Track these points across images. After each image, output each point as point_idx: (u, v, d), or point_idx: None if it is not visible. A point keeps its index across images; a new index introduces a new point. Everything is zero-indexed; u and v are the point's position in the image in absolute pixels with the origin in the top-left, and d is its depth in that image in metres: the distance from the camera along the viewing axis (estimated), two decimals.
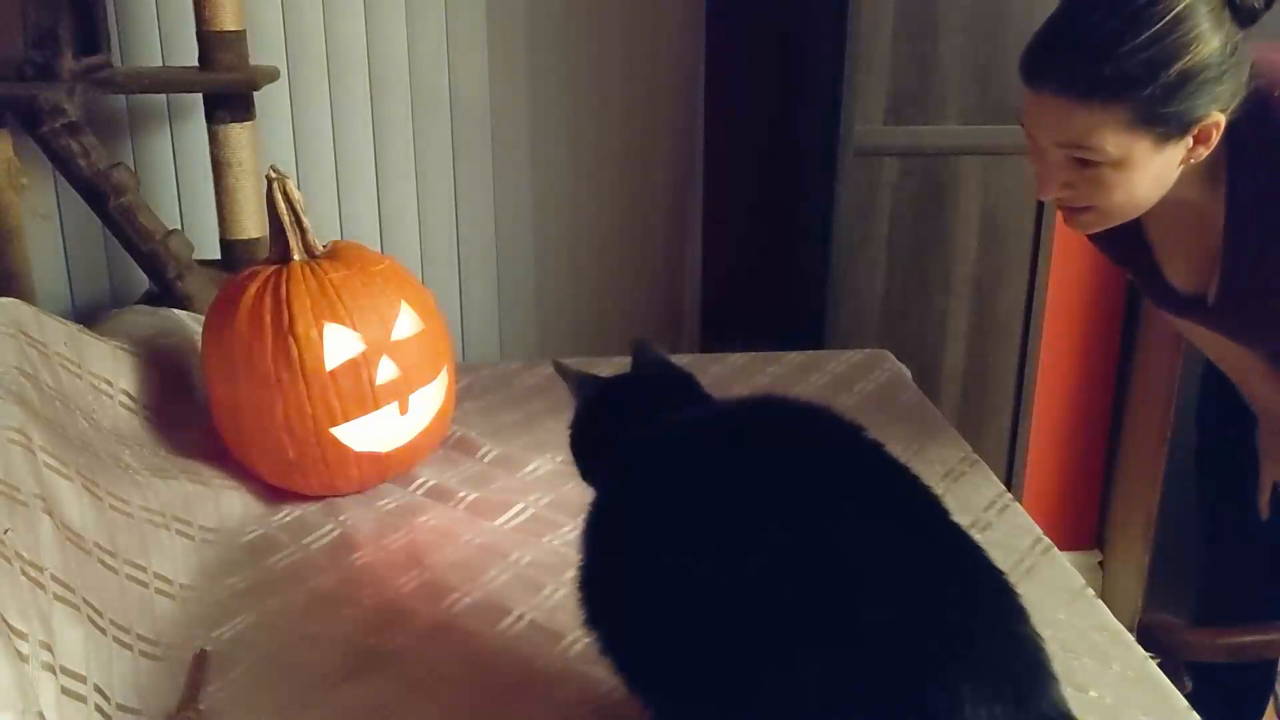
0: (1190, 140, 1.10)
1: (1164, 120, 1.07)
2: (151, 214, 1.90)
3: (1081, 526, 2.45)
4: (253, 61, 1.97)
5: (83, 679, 0.94)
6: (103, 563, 1.09)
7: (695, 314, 2.46)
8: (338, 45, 2.18)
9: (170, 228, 1.94)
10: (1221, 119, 1.09)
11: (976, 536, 1.30)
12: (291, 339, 1.32)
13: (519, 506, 1.39)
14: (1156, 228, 1.28)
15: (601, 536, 0.93)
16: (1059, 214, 1.23)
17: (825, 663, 0.76)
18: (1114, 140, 1.08)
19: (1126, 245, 1.32)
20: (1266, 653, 1.45)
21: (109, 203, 1.84)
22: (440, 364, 1.45)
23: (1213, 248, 1.21)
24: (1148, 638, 1.26)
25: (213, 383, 1.40)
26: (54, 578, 0.98)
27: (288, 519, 1.38)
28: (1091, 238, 1.38)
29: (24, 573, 0.94)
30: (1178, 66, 1.04)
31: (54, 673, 0.90)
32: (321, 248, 1.42)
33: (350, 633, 1.15)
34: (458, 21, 2.20)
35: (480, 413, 1.64)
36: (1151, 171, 1.11)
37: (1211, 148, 1.11)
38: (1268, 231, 1.15)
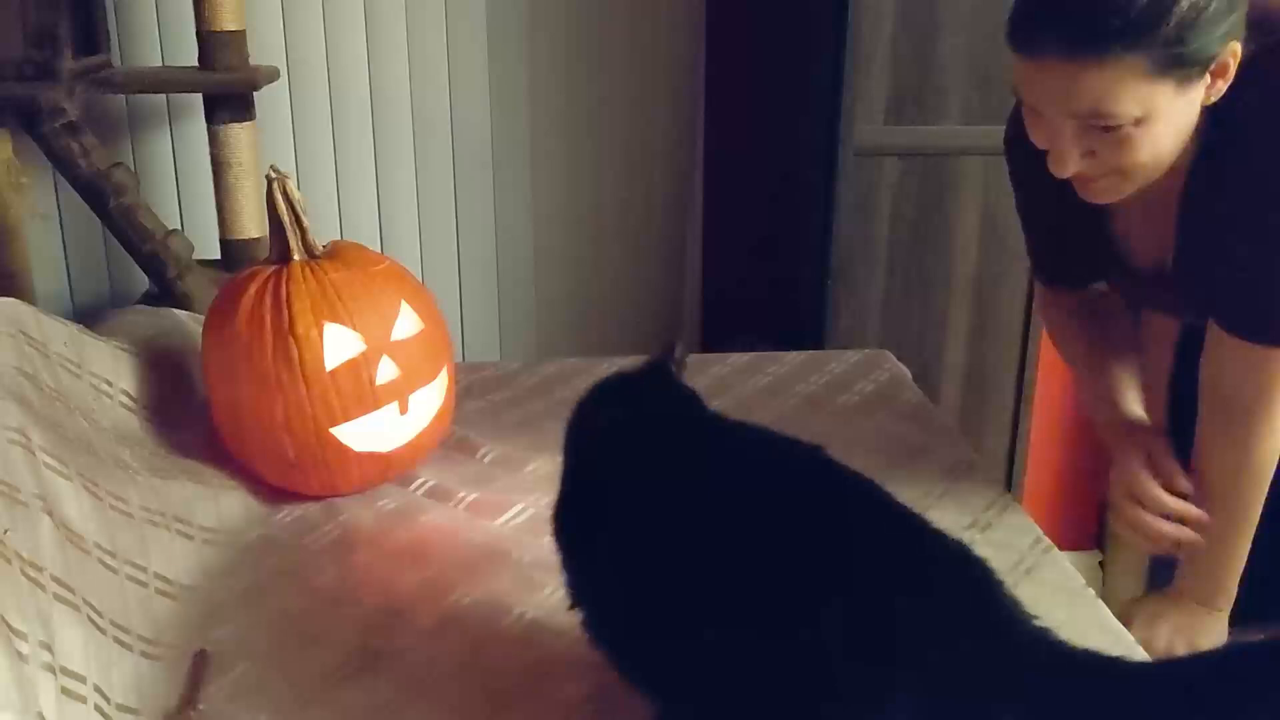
0: (1208, 78, 1.05)
1: (1183, 61, 1.01)
2: (151, 214, 1.91)
3: (1081, 526, 2.45)
4: (253, 61, 1.97)
5: (83, 679, 0.94)
6: (103, 563, 1.09)
7: (695, 314, 2.46)
8: (338, 45, 2.18)
9: (170, 228, 1.95)
10: (1238, 48, 1.04)
11: (976, 536, 1.31)
12: (291, 339, 1.32)
13: (519, 506, 1.39)
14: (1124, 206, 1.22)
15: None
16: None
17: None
18: (1134, 96, 1.02)
19: (1086, 232, 1.28)
20: None
21: (109, 203, 1.84)
22: (440, 364, 1.45)
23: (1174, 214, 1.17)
24: None
25: (213, 383, 1.40)
26: (54, 578, 0.97)
27: (288, 519, 1.38)
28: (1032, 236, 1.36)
29: (24, 573, 0.94)
30: (1187, 1, 0.99)
31: (54, 673, 0.90)
32: (321, 248, 1.42)
33: (350, 633, 1.15)
34: (457, 21, 2.20)
35: (480, 413, 1.64)
36: (1175, 120, 1.06)
37: (1230, 80, 1.05)
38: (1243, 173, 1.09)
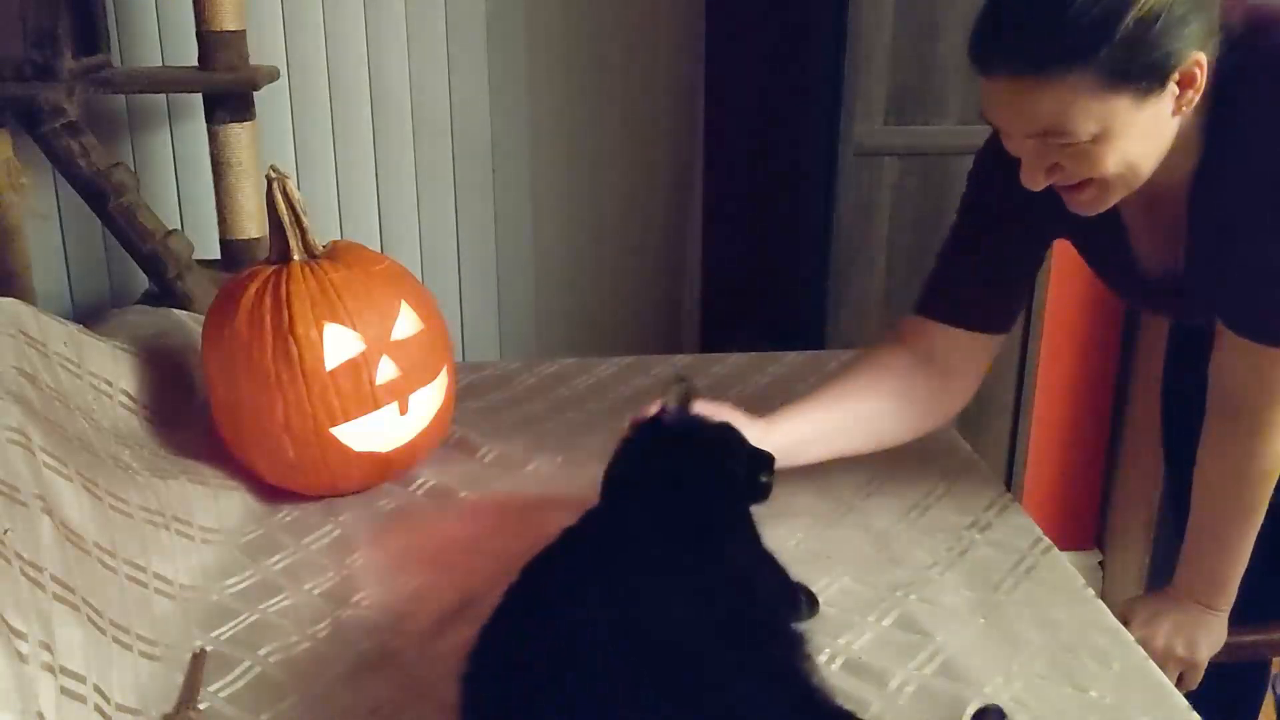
0: (1174, 89, 1.03)
1: (1135, 74, 1.00)
2: (151, 214, 1.91)
3: (1081, 526, 2.45)
4: (253, 61, 1.97)
5: (82, 679, 0.94)
6: (102, 563, 1.09)
7: (695, 314, 2.46)
8: (338, 45, 2.19)
9: (170, 228, 1.95)
10: (1203, 57, 1.02)
11: (976, 536, 1.31)
12: (291, 339, 1.32)
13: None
14: (1131, 212, 1.22)
15: None
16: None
17: None
18: (1086, 112, 1.01)
19: (1102, 238, 1.27)
20: (1266, 653, 1.44)
21: (109, 203, 1.85)
22: (440, 364, 1.45)
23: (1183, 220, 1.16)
24: None
25: (213, 383, 1.40)
26: (54, 578, 0.97)
27: (288, 519, 1.38)
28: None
29: (24, 573, 0.94)
30: (1132, 14, 0.98)
31: (54, 673, 0.90)
32: (321, 248, 1.42)
33: (350, 633, 1.15)
34: (457, 21, 2.20)
35: (480, 413, 1.64)
36: (1143, 132, 1.04)
37: (1201, 89, 1.04)
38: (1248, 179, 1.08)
